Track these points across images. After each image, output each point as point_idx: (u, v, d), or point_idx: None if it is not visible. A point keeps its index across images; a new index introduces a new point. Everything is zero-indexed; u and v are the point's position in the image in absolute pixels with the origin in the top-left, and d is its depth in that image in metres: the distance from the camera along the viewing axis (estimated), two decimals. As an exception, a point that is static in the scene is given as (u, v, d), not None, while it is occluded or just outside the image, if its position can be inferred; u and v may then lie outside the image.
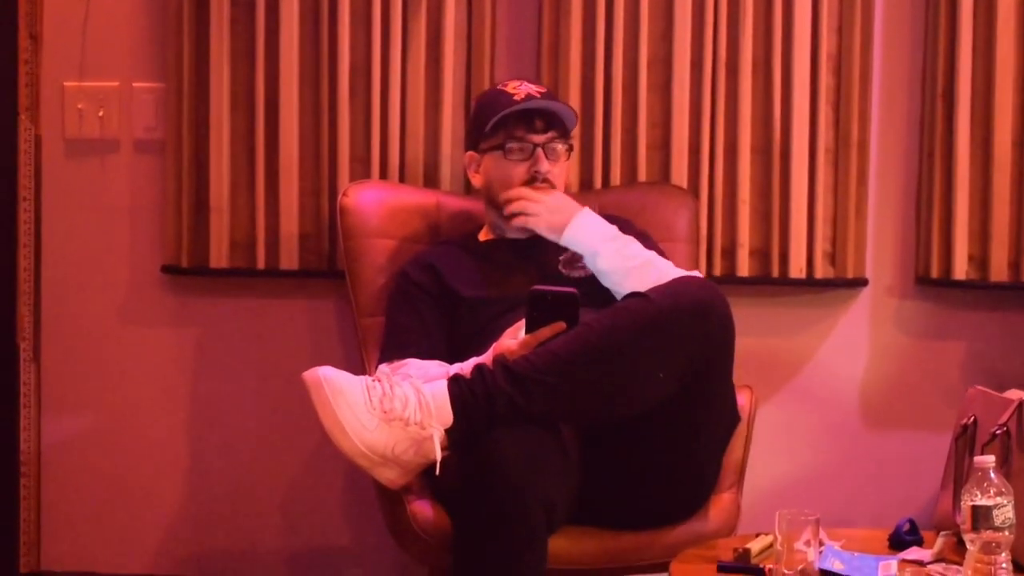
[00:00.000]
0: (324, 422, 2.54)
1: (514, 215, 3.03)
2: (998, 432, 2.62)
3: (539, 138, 3.06)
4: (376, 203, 3.27)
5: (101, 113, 3.55)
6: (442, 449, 2.57)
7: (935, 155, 3.42)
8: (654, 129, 3.42)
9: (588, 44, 3.41)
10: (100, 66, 3.55)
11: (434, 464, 2.57)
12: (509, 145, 3.06)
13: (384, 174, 3.42)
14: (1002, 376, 3.37)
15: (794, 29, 3.39)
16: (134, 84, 3.54)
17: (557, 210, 3.00)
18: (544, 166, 3.05)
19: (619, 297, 2.87)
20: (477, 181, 3.16)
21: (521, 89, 3.08)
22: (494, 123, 3.06)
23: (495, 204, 3.11)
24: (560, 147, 3.08)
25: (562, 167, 3.09)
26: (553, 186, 3.06)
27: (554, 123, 3.07)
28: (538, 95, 3.07)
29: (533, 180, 3.05)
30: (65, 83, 3.55)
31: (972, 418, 2.74)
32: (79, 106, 3.55)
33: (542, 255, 3.04)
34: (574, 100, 3.39)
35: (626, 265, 2.93)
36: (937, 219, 3.42)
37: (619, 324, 2.62)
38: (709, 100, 3.41)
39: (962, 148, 3.38)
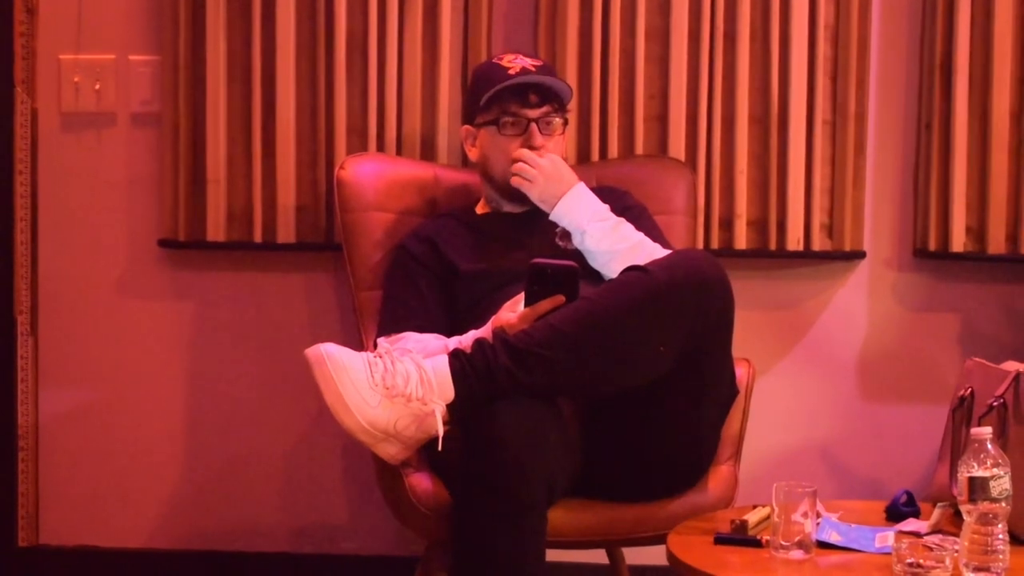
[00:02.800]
0: (327, 399, 2.55)
1: (513, 176, 3.02)
2: (995, 404, 2.63)
3: (533, 113, 3.05)
4: (373, 176, 3.26)
5: (97, 86, 3.54)
6: (443, 424, 2.57)
7: (933, 126, 3.41)
8: (651, 101, 3.41)
9: (585, 15, 3.40)
10: (96, 39, 3.54)
11: (435, 439, 2.57)
12: (503, 120, 3.06)
13: (381, 147, 3.42)
14: (999, 348, 3.37)
15: None
16: (130, 57, 3.54)
17: (553, 179, 2.99)
18: (538, 141, 3.04)
19: (606, 278, 2.88)
20: (473, 155, 3.15)
21: (516, 63, 3.07)
22: (488, 98, 3.06)
23: (491, 178, 3.11)
24: (555, 121, 3.07)
25: (557, 141, 3.09)
26: None
27: (549, 97, 3.06)
28: (533, 69, 3.06)
29: None
30: (61, 56, 3.55)
31: (969, 390, 2.74)
32: (75, 79, 3.54)
33: (539, 228, 3.04)
34: (571, 72, 3.39)
35: (614, 247, 2.92)
36: (935, 191, 3.41)
37: (619, 297, 2.62)
38: (707, 71, 3.40)
39: (960, 119, 3.38)
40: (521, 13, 3.48)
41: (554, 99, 3.07)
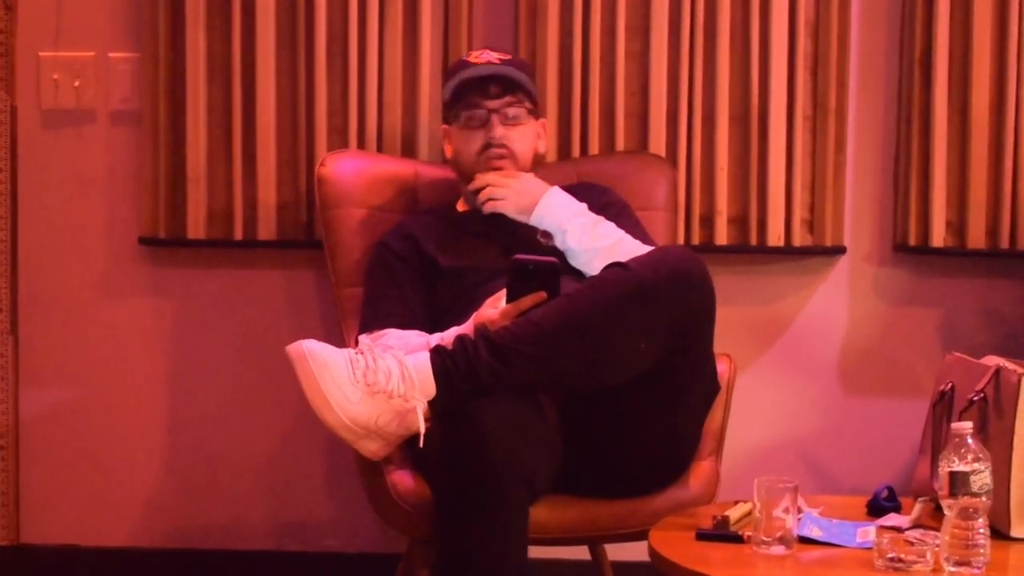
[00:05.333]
0: (308, 395, 2.54)
1: (486, 202, 3.02)
2: (975, 398, 2.64)
3: (493, 103, 3.04)
4: (354, 173, 3.26)
5: (77, 83, 3.53)
6: (425, 421, 2.57)
7: (913, 121, 3.42)
8: (632, 97, 3.41)
9: (566, 11, 3.40)
10: (75, 36, 3.53)
11: (417, 435, 2.57)
12: (465, 113, 3.06)
13: (362, 144, 3.42)
14: (979, 342, 3.39)
15: (772, -5, 3.40)
16: (110, 54, 3.52)
17: (525, 192, 3.00)
18: (497, 132, 3.04)
19: (587, 276, 2.87)
20: (449, 153, 3.15)
21: (482, 57, 3.08)
22: (453, 93, 3.06)
23: (461, 174, 3.11)
24: (518, 111, 3.06)
25: (522, 132, 3.07)
26: (512, 152, 3.05)
27: (512, 88, 3.06)
28: (498, 62, 3.06)
29: (488, 147, 3.05)
30: (40, 53, 3.53)
31: (950, 384, 2.75)
32: (54, 76, 3.53)
33: (521, 225, 3.03)
34: (552, 69, 3.39)
35: (594, 245, 2.92)
36: (915, 186, 3.42)
37: (601, 294, 2.62)
38: (687, 68, 3.40)
39: (940, 114, 3.39)
40: (501, 9, 3.48)
41: (518, 89, 3.06)
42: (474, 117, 3.05)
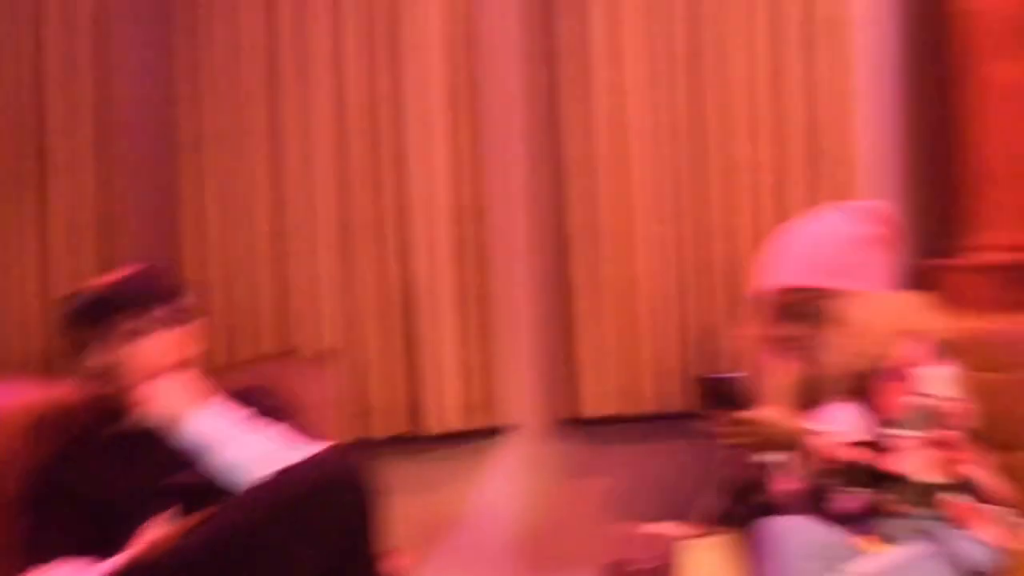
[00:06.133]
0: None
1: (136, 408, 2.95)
2: (646, 568, 2.67)
3: (84, 335, 2.98)
4: (10, 401, 3.14)
5: None
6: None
7: (559, 299, 3.53)
8: (282, 296, 3.42)
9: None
10: None
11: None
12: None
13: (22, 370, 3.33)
14: (652, 509, 3.44)
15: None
16: None
17: (169, 401, 2.92)
18: (86, 361, 2.96)
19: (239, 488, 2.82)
20: None
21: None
22: None
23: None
24: (104, 339, 2.95)
25: (127, 353, 2.96)
26: (107, 378, 2.95)
27: (104, 314, 2.98)
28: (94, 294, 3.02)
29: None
30: None
31: (623, 554, 2.79)
32: None
33: (176, 445, 2.96)
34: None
35: (243, 458, 2.84)
36: (578, 359, 3.50)
37: (255, 506, 2.60)
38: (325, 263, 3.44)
39: (579, 285, 3.51)
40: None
41: (110, 315, 2.98)
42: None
